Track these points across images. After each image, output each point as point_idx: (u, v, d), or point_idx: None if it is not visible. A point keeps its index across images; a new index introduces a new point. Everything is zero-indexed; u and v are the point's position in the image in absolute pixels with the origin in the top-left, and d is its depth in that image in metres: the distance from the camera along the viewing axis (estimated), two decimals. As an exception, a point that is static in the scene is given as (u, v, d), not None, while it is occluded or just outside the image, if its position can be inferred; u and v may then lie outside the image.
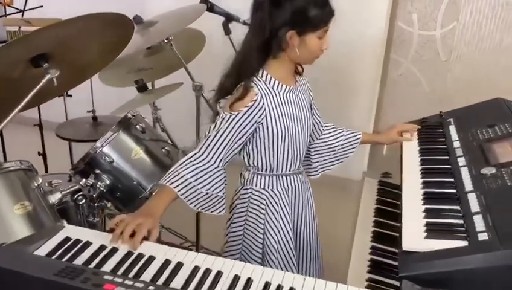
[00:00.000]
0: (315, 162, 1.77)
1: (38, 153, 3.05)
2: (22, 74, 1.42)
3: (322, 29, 1.42)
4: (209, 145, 1.42)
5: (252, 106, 1.41)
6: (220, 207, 1.49)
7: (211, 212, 1.48)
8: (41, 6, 2.88)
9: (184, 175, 1.37)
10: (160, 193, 1.38)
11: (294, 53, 1.43)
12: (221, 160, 1.43)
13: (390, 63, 3.78)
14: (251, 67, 1.45)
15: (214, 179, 1.43)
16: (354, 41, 3.16)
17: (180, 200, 1.39)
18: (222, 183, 1.46)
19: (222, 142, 1.42)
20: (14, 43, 1.27)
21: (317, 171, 1.78)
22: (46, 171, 3.07)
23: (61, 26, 1.26)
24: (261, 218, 1.56)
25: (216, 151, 1.42)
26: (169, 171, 1.41)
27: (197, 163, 1.41)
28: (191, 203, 1.41)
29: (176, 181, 1.37)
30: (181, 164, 1.40)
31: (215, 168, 1.43)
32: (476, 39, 3.55)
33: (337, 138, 1.76)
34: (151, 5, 3.10)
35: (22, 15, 2.96)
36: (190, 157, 1.42)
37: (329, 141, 1.75)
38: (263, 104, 1.43)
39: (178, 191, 1.36)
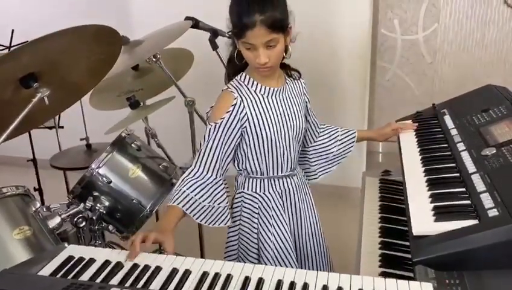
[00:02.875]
0: (314, 166, 1.74)
1: (34, 188, 3.01)
2: (12, 96, 1.41)
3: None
4: (202, 159, 1.43)
5: (232, 110, 1.41)
6: (224, 219, 1.49)
7: (218, 225, 1.47)
8: (27, 41, 2.88)
9: (185, 191, 1.39)
10: (167, 212, 1.39)
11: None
12: (217, 170, 1.44)
13: (378, 70, 3.82)
14: (230, 71, 1.48)
15: (214, 190, 1.44)
16: (339, 51, 3.18)
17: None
18: (223, 194, 1.47)
19: (214, 153, 1.43)
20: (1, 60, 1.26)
21: (316, 174, 1.75)
22: (43, 204, 3.01)
23: (47, 41, 1.25)
24: (254, 222, 1.54)
25: (210, 164, 1.43)
26: (172, 191, 1.43)
27: (196, 178, 1.42)
28: (197, 218, 1.42)
29: (180, 199, 1.38)
30: (181, 182, 1.42)
31: (214, 179, 1.44)
32: (458, 38, 3.60)
33: (332, 140, 1.73)
34: (136, 26, 3.12)
35: (9, 51, 2.97)
36: (188, 175, 1.44)
37: (325, 144, 1.73)
38: (243, 107, 1.42)
39: (184, 208, 1.38)
